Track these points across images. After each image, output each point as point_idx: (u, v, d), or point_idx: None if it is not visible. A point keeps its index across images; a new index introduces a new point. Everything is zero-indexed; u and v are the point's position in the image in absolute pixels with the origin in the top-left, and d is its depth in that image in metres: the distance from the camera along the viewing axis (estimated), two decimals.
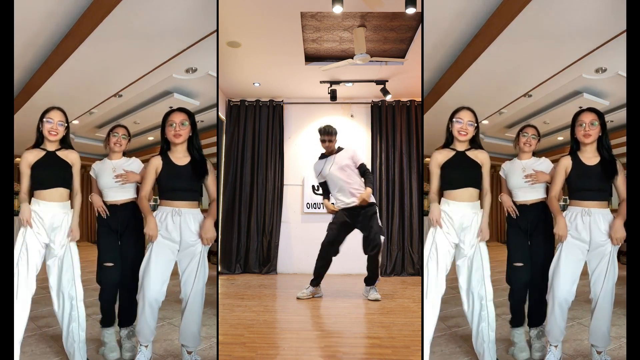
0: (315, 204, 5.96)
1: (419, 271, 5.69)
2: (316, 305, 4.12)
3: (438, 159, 2.62)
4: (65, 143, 2.58)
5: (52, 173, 2.47)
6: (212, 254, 7.11)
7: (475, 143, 2.60)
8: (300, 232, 5.94)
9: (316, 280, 4.36)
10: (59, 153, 2.53)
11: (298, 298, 4.29)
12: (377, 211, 4.36)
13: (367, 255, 4.33)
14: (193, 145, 2.58)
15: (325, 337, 3.19)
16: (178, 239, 2.49)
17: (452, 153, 2.59)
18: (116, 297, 2.86)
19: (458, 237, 2.53)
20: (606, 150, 2.49)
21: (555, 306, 2.48)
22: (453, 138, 2.59)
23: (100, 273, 2.81)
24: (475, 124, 2.55)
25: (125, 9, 3.01)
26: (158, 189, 2.58)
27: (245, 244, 5.87)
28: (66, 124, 2.53)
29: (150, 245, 2.50)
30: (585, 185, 2.46)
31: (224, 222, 5.92)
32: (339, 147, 4.40)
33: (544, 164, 2.80)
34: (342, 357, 2.80)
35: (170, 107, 5.45)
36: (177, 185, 2.51)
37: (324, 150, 4.42)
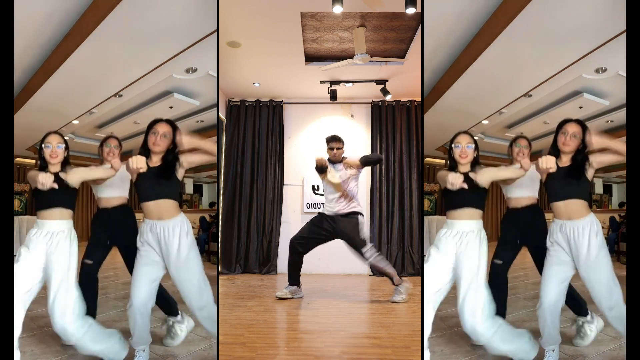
0: (315, 203, 5.97)
1: (419, 271, 5.69)
2: (316, 305, 4.12)
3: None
4: (67, 165, 2.59)
5: (53, 194, 2.47)
6: (212, 254, 7.14)
7: (477, 165, 2.60)
8: None
9: (292, 279, 4.33)
10: (61, 174, 2.54)
11: (278, 298, 4.27)
12: (362, 222, 4.28)
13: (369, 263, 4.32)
14: (167, 157, 2.60)
15: (325, 337, 3.19)
16: (159, 248, 2.52)
17: (461, 176, 2.57)
18: (91, 294, 2.92)
19: (455, 263, 2.51)
20: (579, 157, 2.51)
21: (546, 313, 2.50)
22: (456, 162, 2.61)
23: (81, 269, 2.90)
24: (474, 146, 2.56)
25: (125, 9, 3.01)
26: (136, 193, 2.60)
27: (245, 244, 5.87)
28: (65, 146, 2.55)
29: (137, 251, 2.56)
30: (558, 184, 2.49)
31: (224, 222, 5.93)
32: (343, 156, 4.31)
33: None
34: (342, 356, 2.80)
35: (170, 107, 5.49)
36: (149, 183, 2.54)
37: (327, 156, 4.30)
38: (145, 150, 2.59)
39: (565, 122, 2.54)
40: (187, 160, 2.61)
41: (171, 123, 2.61)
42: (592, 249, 2.43)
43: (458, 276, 2.50)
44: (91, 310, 2.88)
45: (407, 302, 4.17)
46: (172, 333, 3.01)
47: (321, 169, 4.16)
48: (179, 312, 3.04)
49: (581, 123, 2.52)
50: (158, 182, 2.54)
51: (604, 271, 2.44)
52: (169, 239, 2.51)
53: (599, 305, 2.47)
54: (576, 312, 2.99)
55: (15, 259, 2.44)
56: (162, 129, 2.57)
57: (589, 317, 2.98)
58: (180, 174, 2.60)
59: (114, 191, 3.04)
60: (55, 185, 2.40)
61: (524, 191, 2.98)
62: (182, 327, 3.03)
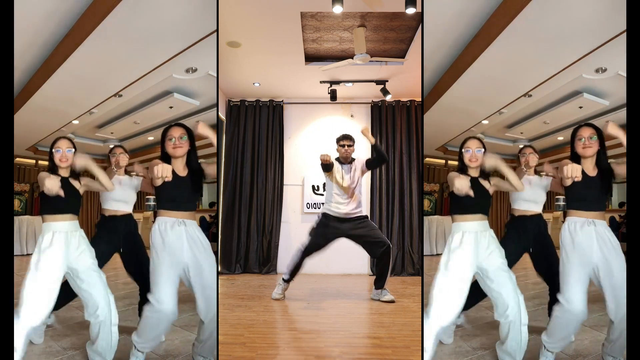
0: (315, 203, 5.97)
1: (419, 271, 5.69)
2: (316, 306, 4.12)
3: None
4: (75, 171, 2.61)
5: (63, 200, 2.50)
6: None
7: (484, 172, 2.62)
8: (300, 232, 5.92)
9: (291, 276, 4.31)
10: (70, 180, 2.58)
11: (274, 299, 4.27)
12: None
13: (376, 258, 4.31)
14: (191, 159, 2.61)
15: (325, 337, 3.19)
16: (182, 250, 2.48)
17: (468, 179, 2.58)
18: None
19: (477, 260, 2.49)
20: (605, 164, 2.53)
21: (574, 320, 2.46)
22: (466, 167, 2.63)
23: None
24: (483, 150, 2.59)
25: (125, 9, 3.01)
26: (157, 198, 2.58)
27: (245, 244, 5.87)
28: (74, 150, 2.58)
29: (153, 257, 2.50)
30: (587, 195, 2.49)
31: (224, 222, 5.92)
32: (352, 157, 4.35)
33: (547, 181, 3.11)
34: (342, 356, 2.80)
35: (170, 107, 5.48)
36: (178, 194, 2.53)
37: (337, 155, 4.34)
38: (165, 159, 2.56)
39: (579, 127, 2.55)
40: (211, 169, 2.64)
41: (183, 125, 2.60)
42: (616, 246, 2.46)
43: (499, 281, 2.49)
44: None
45: (406, 303, 4.17)
46: None
47: (326, 167, 4.17)
48: None
49: (593, 125, 2.53)
50: (188, 194, 2.56)
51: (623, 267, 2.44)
52: (196, 236, 2.52)
53: (617, 303, 2.42)
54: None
55: (35, 261, 2.42)
56: (178, 132, 2.57)
57: None
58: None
59: (122, 205, 3.16)
60: (62, 193, 2.40)
61: (531, 205, 3.11)
62: None
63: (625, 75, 3.93)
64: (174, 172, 2.51)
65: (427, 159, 6.77)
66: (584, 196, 2.49)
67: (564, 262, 2.49)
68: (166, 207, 2.53)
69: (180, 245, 2.47)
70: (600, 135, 2.52)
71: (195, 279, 2.48)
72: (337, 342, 3.07)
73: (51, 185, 2.34)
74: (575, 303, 2.42)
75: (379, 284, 4.27)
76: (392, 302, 4.16)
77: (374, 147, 4.25)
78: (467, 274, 2.48)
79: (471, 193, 2.43)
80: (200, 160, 2.66)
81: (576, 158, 2.55)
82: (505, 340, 2.52)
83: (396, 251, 5.78)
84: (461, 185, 2.40)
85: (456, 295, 2.45)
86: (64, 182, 2.52)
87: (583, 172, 2.47)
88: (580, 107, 5.33)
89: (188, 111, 5.47)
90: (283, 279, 4.33)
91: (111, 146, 3.35)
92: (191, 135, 2.60)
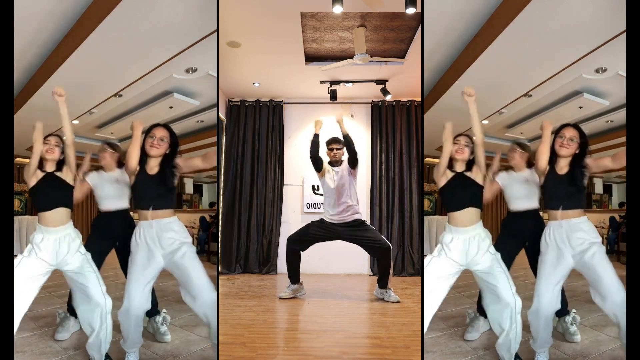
0: (315, 203, 5.97)
1: (419, 271, 5.69)
2: (316, 305, 4.12)
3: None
4: (61, 165, 2.67)
5: (51, 195, 2.56)
6: (212, 254, 7.14)
7: (470, 164, 2.69)
8: None
9: (293, 278, 4.34)
10: (57, 173, 2.64)
11: (280, 298, 4.29)
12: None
13: (376, 258, 4.33)
14: (165, 161, 2.61)
15: (325, 337, 3.19)
16: (158, 250, 2.51)
17: (452, 174, 2.69)
18: None
19: (465, 260, 2.55)
20: (577, 164, 2.53)
21: (541, 317, 2.51)
22: (452, 160, 2.70)
23: None
24: (472, 146, 2.68)
25: (125, 9, 3.01)
26: (133, 199, 2.63)
27: (245, 244, 5.87)
28: (62, 146, 2.65)
29: (131, 255, 2.54)
30: (557, 192, 2.53)
31: (224, 222, 5.93)
32: (342, 160, 4.38)
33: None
34: (342, 357, 2.80)
35: (170, 107, 5.48)
36: (148, 192, 2.55)
37: (329, 159, 4.38)
38: (142, 155, 2.61)
39: (563, 126, 2.59)
40: (185, 165, 2.64)
41: (169, 128, 2.64)
42: (592, 244, 2.46)
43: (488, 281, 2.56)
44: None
45: (406, 303, 4.17)
46: (162, 331, 3.10)
47: (317, 166, 4.23)
48: (159, 310, 3.16)
49: (579, 128, 2.56)
50: (158, 191, 2.56)
51: (607, 266, 2.45)
52: (166, 236, 2.51)
53: (603, 300, 2.43)
54: (558, 314, 3.01)
55: (18, 262, 2.45)
56: (160, 133, 2.61)
57: (571, 315, 3.07)
58: (176, 180, 2.63)
59: (116, 202, 3.14)
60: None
61: (525, 202, 3.07)
62: (167, 323, 3.15)
63: (625, 75, 3.93)
64: (144, 170, 2.58)
65: (427, 159, 6.77)
66: (554, 194, 2.54)
67: (540, 262, 2.57)
68: (140, 207, 2.56)
69: (150, 248, 2.50)
70: (584, 140, 2.55)
71: (175, 272, 2.53)
72: (337, 342, 3.07)
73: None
74: (541, 301, 2.49)
75: (382, 282, 4.28)
76: (397, 302, 4.16)
77: (344, 138, 4.26)
78: (451, 270, 2.55)
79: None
80: (185, 155, 2.69)
81: (552, 153, 2.59)
82: (500, 335, 2.56)
83: (396, 251, 5.78)
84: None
85: (438, 289, 2.53)
86: (52, 176, 2.59)
87: (553, 170, 2.55)
88: (580, 107, 5.33)
89: (188, 111, 5.47)
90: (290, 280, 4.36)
91: (103, 137, 3.34)
92: (174, 141, 2.63)
